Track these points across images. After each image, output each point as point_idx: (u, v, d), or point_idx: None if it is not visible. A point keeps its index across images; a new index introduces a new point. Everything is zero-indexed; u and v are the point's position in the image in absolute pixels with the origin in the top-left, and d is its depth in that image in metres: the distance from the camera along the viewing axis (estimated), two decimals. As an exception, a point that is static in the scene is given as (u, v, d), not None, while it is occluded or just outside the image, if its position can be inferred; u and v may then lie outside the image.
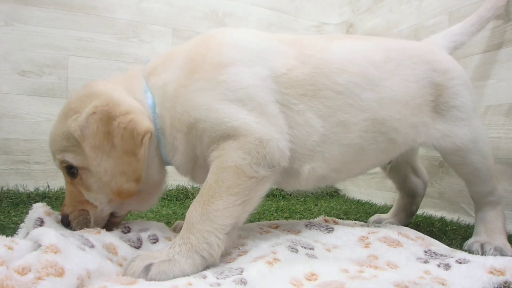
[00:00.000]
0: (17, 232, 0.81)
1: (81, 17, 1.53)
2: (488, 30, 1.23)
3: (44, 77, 1.49)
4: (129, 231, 0.81)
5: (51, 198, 1.43)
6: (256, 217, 1.27)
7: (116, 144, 0.71)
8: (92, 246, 0.65)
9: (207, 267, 0.66)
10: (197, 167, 0.80)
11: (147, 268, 0.61)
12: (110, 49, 1.58)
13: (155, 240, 0.79)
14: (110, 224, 0.82)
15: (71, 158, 0.76)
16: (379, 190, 1.69)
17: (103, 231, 0.74)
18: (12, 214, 1.19)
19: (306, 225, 0.89)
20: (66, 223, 0.78)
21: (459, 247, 0.95)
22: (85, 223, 0.78)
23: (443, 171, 1.39)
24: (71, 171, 0.78)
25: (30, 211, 0.84)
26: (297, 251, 0.71)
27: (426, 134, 0.91)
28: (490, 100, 1.22)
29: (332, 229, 0.86)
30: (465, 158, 0.93)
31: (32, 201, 1.41)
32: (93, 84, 0.81)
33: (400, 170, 1.21)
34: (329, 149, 0.82)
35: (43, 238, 0.55)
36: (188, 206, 1.42)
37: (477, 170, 0.94)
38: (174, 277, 0.61)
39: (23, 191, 1.44)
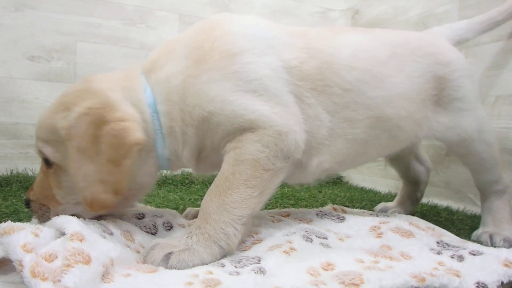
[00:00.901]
0: (34, 217, 0.82)
1: (89, 3, 1.52)
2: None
3: (52, 62, 1.49)
4: (143, 217, 0.82)
5: (60, 182, 1.45)
6: (263, 204, 1.30)
7: (102, 151, 0.66)
8: (111, 234, 0.66)
9: (224, 256, 0.67)
10: (201, 158, 0.79)
11: (167, 256, 0.62)
12: (117, 35, 1.57)
13: (169, 227, 0.80)
14: None
15: (49, 153, 0.71)
16: (383, 178, 1.70)
17: (118, 219, 0.76)
18: (24, 198, 1.20)
19: (317, 214, 0.90)
20: (27, 205, 0.78)
21: (467, 237, 0.96)
22: (43, 219, 0.74)
23: (449, 160, 1.39)
24: (47, 160, 0.74)
25: None
26: (311, 240, 0.72)
27: (429, 128, 0.92)
28: (500, 90, 1.20)
29: (343, 218, 0.87)
30: (470, 148, 0.94)
31: (41, 185, 1.43)
32: (92, 80, 0.76)
33: (402, 158, 1.21)
34: (336, 143, 0.83)
35: (67, 226, 0.56)
36: (194, 192, 1.45)
37: (483, 159, 0.95)
38: (193, 266, 0.62)
39: (32, 174, 1.45)
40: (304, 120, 0.78)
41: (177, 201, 1.27)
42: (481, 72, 1.25)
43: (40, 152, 0.74)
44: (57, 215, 0.68)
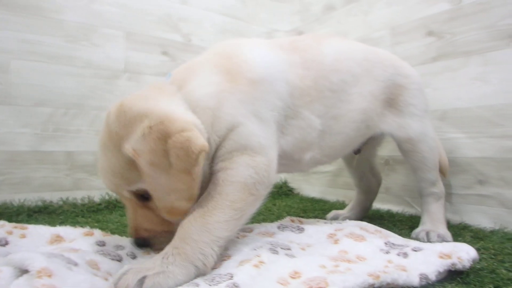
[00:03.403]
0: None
1: (25, 18, 1.40)
2: (424, 46, 1.42)
3: (-18, 83, 1.33)
4: (104, 244, 0.80)
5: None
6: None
7: (172, 162, 0.68)
8: (76, 264, 0.63)
9: (197, 276, 0.68)
10: None
11: (141, 281, 0.61)
12: (59, 53, 1.47)
13: (133, 256, 0.79)
14: None
15: (144, 186, 0.74)
16: (331, 188, 1.82)
17: (81, 250, 0.73)
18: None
19: (278, 227, 0.95)
20: (143, 244, 0.80)
21: (408, 235, 1.08)
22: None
23: (388, 169, 1.55)
24: (144, 196, 0.76)
25: None
26: (277, 252, 0.76)
27: (387, 124, 1.09)
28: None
29: (302, 229, 0.93)
30: (415, 146, 1.11)
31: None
32: (132, 105, 0.73)
33: (359, 168, 1.35)
34: (324, 139, 0.97)
35: (31, 262, 0.53)
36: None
37: (425, 158, 1.11)
38: None
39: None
40: (297, 131, 0.91)
41: (133, 225, 1.22)
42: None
43: (138, 191, 0.76)
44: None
